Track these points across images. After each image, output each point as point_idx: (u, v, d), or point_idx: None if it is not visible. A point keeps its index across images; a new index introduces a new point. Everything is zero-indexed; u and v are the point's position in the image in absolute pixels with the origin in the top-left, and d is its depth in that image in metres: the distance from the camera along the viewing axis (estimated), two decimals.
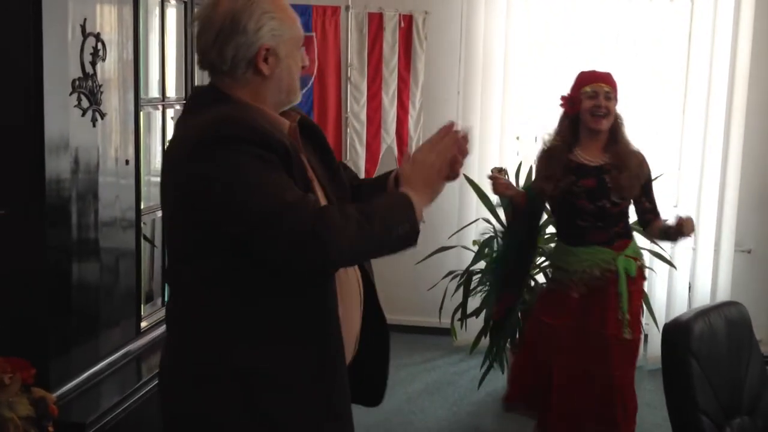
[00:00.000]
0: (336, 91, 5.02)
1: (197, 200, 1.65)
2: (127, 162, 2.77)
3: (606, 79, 3.40)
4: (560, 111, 3.49)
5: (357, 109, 5.06)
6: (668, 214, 3.55)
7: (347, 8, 4.94)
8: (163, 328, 2.40)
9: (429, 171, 1.75)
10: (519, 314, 4.41)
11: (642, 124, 5.03)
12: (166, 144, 3.49)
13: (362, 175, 5.05)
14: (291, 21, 1.76)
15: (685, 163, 5.03)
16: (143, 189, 2.99)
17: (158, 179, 3.43)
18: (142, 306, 2.96)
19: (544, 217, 3.89)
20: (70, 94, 2.41)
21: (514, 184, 4.21)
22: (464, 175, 4.87)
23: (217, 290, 1.69)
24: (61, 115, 2.37)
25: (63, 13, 2.38)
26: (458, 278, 4.64)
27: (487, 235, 4.66)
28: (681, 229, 3.29)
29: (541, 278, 4.52)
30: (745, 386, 2.55)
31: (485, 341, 4.55)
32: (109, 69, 2.63)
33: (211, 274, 1.69)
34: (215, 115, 1.65)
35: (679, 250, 4.98)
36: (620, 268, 3.35)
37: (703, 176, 5.01)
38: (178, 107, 3.51)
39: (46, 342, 2.39)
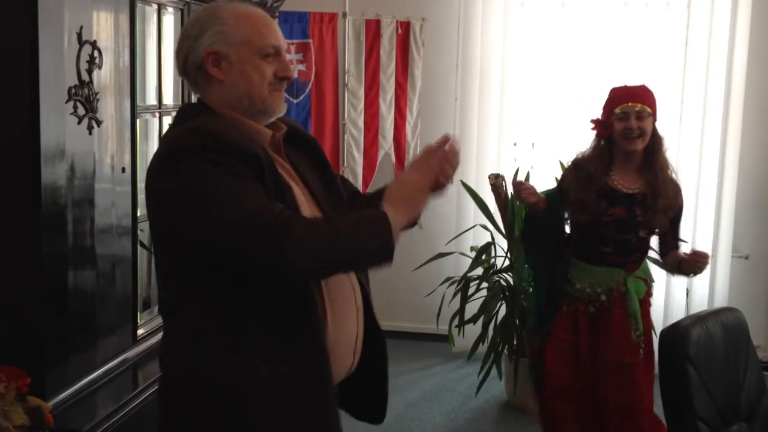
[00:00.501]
0: (333, 98, 5.03)
1: (166, 213, 1.67)
2: (123, 170, 2.77)
3: (637, 96, 3.20)
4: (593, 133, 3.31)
5: (354, 115, 5.07)
6: (684, 247, 3.44)
7: (344, 15, 4.95)
8: (159, 336, 2.39)
9: (410, 188, 1.74)
10: (517, 320, 4.41)
11: None
12: None
13: (359, 181, 5.06)
14: (245, 26, 1.75)
15: (682, 169, 5.02)
16: (141, 196, 2.98)
17: None
18: (138, 313, 2.95)
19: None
20: (66, 102, 2.41)
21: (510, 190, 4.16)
22: (461, 181, 4.88)
23: (198, 304, 1.70)
24: (57, 123, 2.36)
25: (59, 21, 2.38)
26: (456, 284, 4.64)
27: (484, 242, 4.66)
28: (694, 263, 3.18)
29: None
30: (742, 392, 2.55)
31: (483, 348, 4.55)
32: (106, 77, 2.63)
33: (190, 287, 1.70)
34: (184, 127, 1.68)
35: None
36: (630, 289, 3.25)
37: (700, 182, 5.02)
38: (189, 102, 3.51)
39: (42, 350, 2.38)
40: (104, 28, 2.63)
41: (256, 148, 1.66)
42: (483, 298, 4.59)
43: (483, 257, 4.62)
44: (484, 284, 4.62)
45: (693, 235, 5.03)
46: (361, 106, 5.09)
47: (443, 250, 4.86)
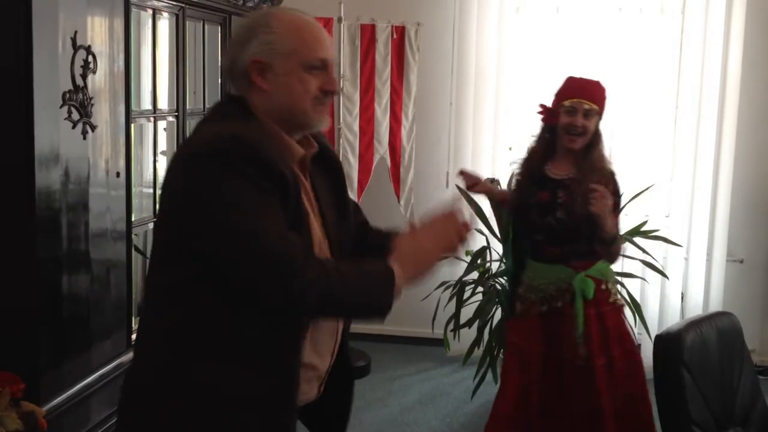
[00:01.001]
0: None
1: (182, 210, 1.64)
2: (118, 174, 2.77)
3: (590, 93, 3.17)
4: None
5: (350, 120, 5.07)
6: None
7: (339, 20, 4.95)
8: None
9: (422, 256, 1.74)
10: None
11: (634, 135, 5.05)
12: (158, 156, 3.50)
13: (355, 186, 5.06)
14: (294, 36, 1.71)
15: (677, 173, 5.04)
16: (135, 201, 2.99)
17: (151, 191, 3.45)
18: (133, 318, 2.95)
19: None
20: (61, 107, 2.41)
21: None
22: (457, 185, 4.88)
23: (179, 304, 1.68)
24: (51, 128, 2.37)
25: (53, 25, 2.38)
26: (451, 289, 4.64)
27: (479, 246, 4.66)
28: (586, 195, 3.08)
29: None
30: (737, 396, 2.56)
31: (478, 352, 4.54)
32: (100, 81, 2.63)
33: (176, 287, 1.68)
34: (225, 130, 1.64)
35: (672, 260, 4.99)
36: (576, 288, 3.14)
37: (695, 187, 5.03)
38: (170, 119, 3.52)
39: (36, 355, 2.38)
40: (99, 32, 2.63)
41: (288, 170, 1.63)
42: (478, 302, 4.59)
43: (478, 261, 4.62)
44: (480, 288, 4.62)
45: (688, 239, 5.04)
46: (357, 110, 5.09)
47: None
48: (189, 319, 1.67)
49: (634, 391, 3.18)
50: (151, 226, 3.37)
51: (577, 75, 3.29)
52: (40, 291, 2.39)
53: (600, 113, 3.19)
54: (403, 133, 5.17)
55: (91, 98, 2.54)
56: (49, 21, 2.36)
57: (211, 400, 1.66)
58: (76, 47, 2.47)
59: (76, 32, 2.47)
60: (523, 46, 5.15)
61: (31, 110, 2.27)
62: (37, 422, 2.16)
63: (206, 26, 3.77)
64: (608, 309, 3.22)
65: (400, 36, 5.08)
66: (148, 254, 3.16)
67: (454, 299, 4.58)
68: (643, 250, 4.57)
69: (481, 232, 4.67)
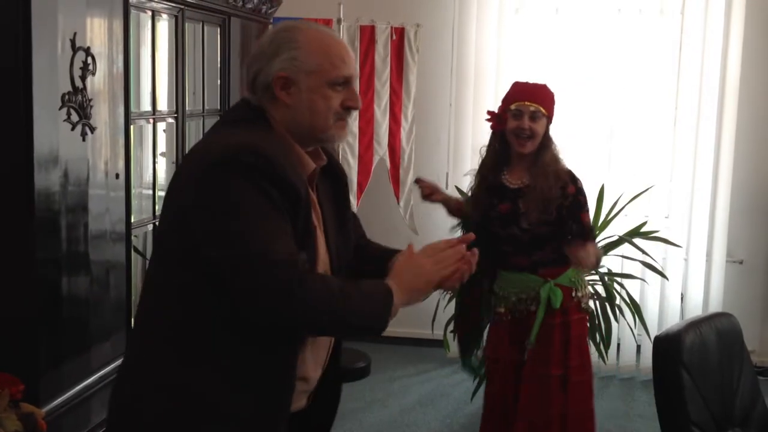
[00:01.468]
0: None
1: (189, 212, 1.63)
2: (117, 176, 2.76)
3: (535, 95, 3.12)
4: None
5: (349, 121, 5.07)
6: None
7: (339, 21, 4.95)
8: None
9: (421, 279, 1.73)
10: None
11: (633, 136, 5.05)
12: (158, 157, 3.50)
13: (354, 187, 5.06)
14: (319, 53, 1.71)
15: (676, 174, 5.05)
16: (134, 202, 2.99)
17: (150, 192, 3.45)
18: (132, 319, 2.95)
19: None
20: (60, 109, 2.41)
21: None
22: (456, 187, 4.89)
23: (179, 313, 1.67)
24: (50, 129, 2.36)
25: (52, 27, 2.38)
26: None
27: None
28: (574, 255, 3.01)
29: None
30: (737, 397, 2.56)
31: (478, 353, 4.54)
32: (99, 83, 2.63)
33: (174, 289, 1.68)
34: (238, 139, 1.64)
35: (672, 260, 4.99)
36: (542, 297, 3.10)
37: (694, 187, 5.03)
38: (170, 120, 3.52)
39: (36, 356, 2.38)
40: (98, 34, 2.63)
41: (299, 184, 1.64)
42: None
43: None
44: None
45: (687, 239, 5.04)
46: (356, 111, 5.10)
47: None
48: (187, 323, 1.67)
49: (582, 407, 3.16)
50: (150, 227, 3.37)
51: (523, 80, 3.26)
52: (40, 292, 2.38)
53: (548, 116, 3.13)
54: (403, 134, 5.17)
55: (90, 100, 2.54)
56: (49, 22, 2.36)
57: (199, 409, 1.65)
58: (75, 49, 2.47)
59: (75, 34, 2.47)
60: (523, 47, 5.16)
61: (30, 112, 2.27)
62: (36, 423, 2.16)
63: (205, 28, 3.77)
64: (576, 318, 3.16)
65: (399, 37, 5.08)
66: (148, 255, 3.18)
67: (454, 300, 4.58)
68: (643, 251, 4.57)
69: None
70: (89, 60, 2.54)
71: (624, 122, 5.06)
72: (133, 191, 2.97)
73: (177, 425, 1.67)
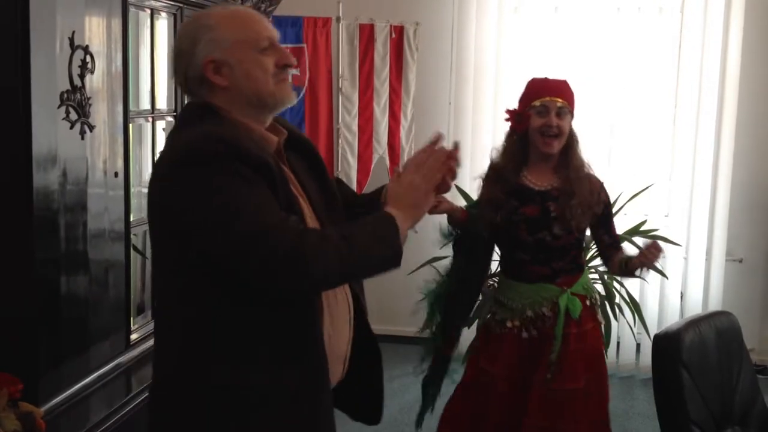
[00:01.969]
0: (327, 103, 5.03)
1: (174, 218, 1.64)
2: (116, 174, 2.76)
3: (559, 91, 2.92)
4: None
5: (348, 120, 5.06)
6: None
7: (338, 19, 4.94)
8: (153, 340, 2.39)
9: (415, 193, 1.72)
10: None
11: (633, 134, 5.05)
12: (157, 156, 3.49)
13: (354, 186, 5.05)
14: (235, 26, 1.74)
15: (676, 173, 5.05)
16: (133, 201, 2.98)
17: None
18: (132, 318, 2.95)
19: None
20: (59, 107, 2.40)
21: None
22: (455, 185, 4.88)
23: (194, 308, 1.68)
24: (49, 128, 2.36)
25: (51, 25, 2.37)
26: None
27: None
28: (643, 258, 2.79)
29: None
30: (736, 396, 2.56)
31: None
32: (98, 81, 2.62)
33: (186, 291, 1.68)
34: (197, 133, 1.65)
35: (671, 259, 4.99)
36: (561, 307, 2.88)
37: (694, 186, 5.03)
38: (169, 119, 3.51)
39: (35, 355, 2.38)
40: (96, 32, 2.62)
41: (268, 157, 1.65)
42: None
43: None
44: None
45: (687, 238, 5.04)
46: (355, 110, 5.09)
47: (438, 254, 4.85)
48: (203, 322, 1.67)
49: (599, 418, 2.95)
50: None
51: (541, 76, 3.04)
52: (39, 291, 2.38)
53: (572, 113, 2.94)
54: (402, 132, 5.17)
55: (89, 98, 2.54)
56: (47, 21, 2.35)
57: (240, 400, 1.66)
58: (73, 47, 2.47)
59: (73, 32, 2.47)
60: (522, 45, 5.15)
61: (29, 110, 2.27)
62: (35, 423, 2.16)
63: None
64: (591, 327, 2.98)
65: (398, 35, 5.07)
66: (147, 254, 3.17)
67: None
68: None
69: None
70: (88, 58, 2.54)
71: (623, 120, 5.06)
72: (132, 190, 2.96)
73: (223, 421, 1.67)
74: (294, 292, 1.64)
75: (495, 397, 2.97)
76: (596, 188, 2.94)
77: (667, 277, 4.93)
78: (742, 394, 2.58)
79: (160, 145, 3.60)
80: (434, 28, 5.24)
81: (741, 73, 4.93)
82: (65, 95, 2.43)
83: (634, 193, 4.76)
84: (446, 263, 3.39)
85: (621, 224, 4.66)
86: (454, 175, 1.78)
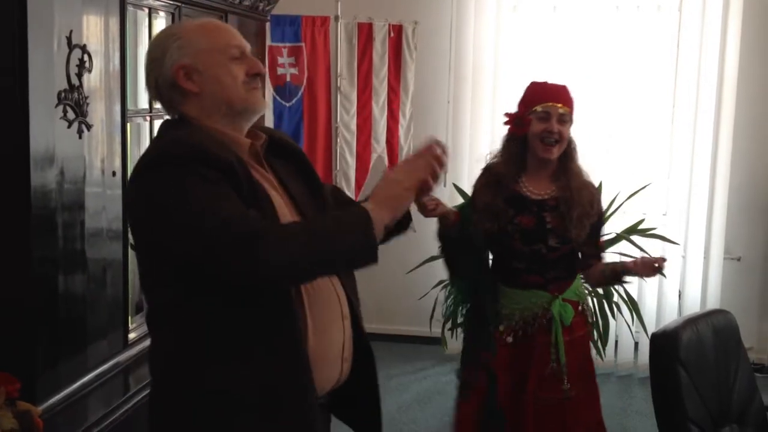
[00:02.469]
0: (326, 101, 5.03)
1: (142, 223, 1.70)
2: (114, 173, 2.76)
3: (561, 96, 2.87)
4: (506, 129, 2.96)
5: (347, 119, 5.06)
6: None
7: (336, 18, 4.94)
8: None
9: (395, 187, 1.73)
10: None
11: (631, 132, 5.06)
12: None
13: (352, 185, 5.06)
14: (204, 34, 1.78)
15: (674, 171, 5.05)
16: None
17: None
18: (129, 317, 2.95)
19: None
20: (56, 106, 2.40)
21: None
22: (454, 184, 4.90)
23: (180, 313, 1.70)
24: (46, 127, 2.36)
25: (49, 25, 2.37)
26: (448, 287, 4.64)
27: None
28: (642, 269, 2.77)
29: None
30: (733, 394, 2.56)
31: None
32: (96, 80, 2.62)
33: (168, 296, 1.71)
34: (159, 142, 1.73)
35: (669, 258, 4.97)
36: (555, 314, 2.84)
37: (692, 184, 5.03)
38: (167, 118, 3.51)
39: (32, 354, 2.38)
40: (94, 32, 2.63)
41: (229, 156, 1.66)
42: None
43: None
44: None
45: (685, 237, 5.04)
46: (354, 109, 5.09)
47: (436, 253, 4.85)
48: (189, 327, 1.69)
49: (594, 420, 2.94)
50: None
51: (541, 80, 2.97)
52: (36, 290, 2.38)
53: (572, 120, 2.88)
54: (401, 131, 5.17)
55: (86, 97, 2.54)
56: (45, 20, 2.35)
57: (228, 406, 1.67)
58: (71, 46, 2.47)
59: (71, 31, 2.47)
60: (520, 44, 5.16)
61: (27, 109, 2.27)
62: (32, 422, 2.16)
63: None
64: (582, 334, 2.94)
65: (397, 34, 5.07)
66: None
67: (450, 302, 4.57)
68: (641, 249, 4.57)
69: None
70: (85, 57, 2.54)
71: (622, 119, 5.06)
72: None
73: (210, 425, 1.68)
74: (249, 277, 1.61)
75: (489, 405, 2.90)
76: (594, 198, 2.91)
77: (665, 276, 4.92)
78: (739, 393, 2.58)
79: None
80: (433, 26, 5.25)
81: (739, 72, 4.93)
82: (63, 94, 2.43)
83: (632, 192, 4.76)
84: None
85: (619, 223, 4.68)
86: (436, 177, 1.77)
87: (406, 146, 5.18)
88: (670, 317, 4.86)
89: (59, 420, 2.41)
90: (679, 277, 5.08)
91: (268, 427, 1.70)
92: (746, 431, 2.56)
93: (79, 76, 2.51)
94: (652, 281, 4.95)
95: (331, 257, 1.65)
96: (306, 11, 4.97)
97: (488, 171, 2.99)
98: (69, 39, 2.46)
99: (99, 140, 2.67)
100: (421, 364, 5.16)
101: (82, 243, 2.58)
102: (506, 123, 2.96)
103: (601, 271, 2.93)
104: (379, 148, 5.14)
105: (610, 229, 4.60)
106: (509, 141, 2.95)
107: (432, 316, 4.70)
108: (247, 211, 1.62)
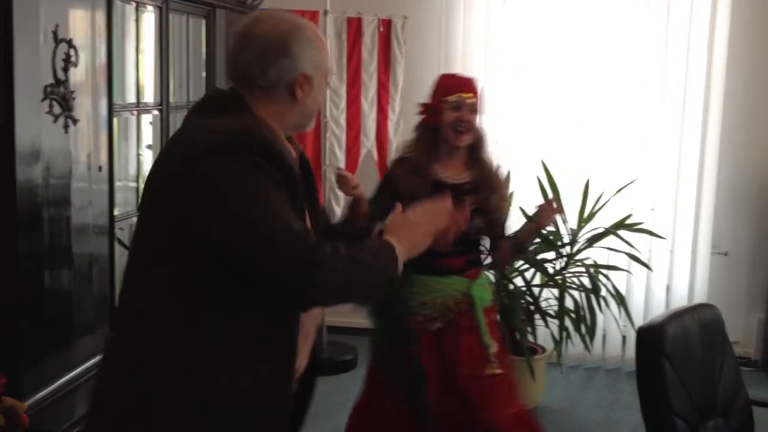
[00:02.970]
0: None
1: (190, 203, 1.59)
2: (100, 168, 2.76)
3: (471, 87, 3.04)
4: (418, 119, 3.10)
5: (336, 113, 5.06)
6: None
7: (325, 13, 4.93)
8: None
9: (418, 230, 1.75)
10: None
11: (619, 128, 5.06)
12: (143, 149, 3.48)
13: None
14: (326, 54, 1.79)
15: (661, 166, 5.06)
16: (118, 195, 2.97)
17: (135, 185, 3.44)
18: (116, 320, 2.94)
19: None
20: (42, 101, 2.40)
21: None
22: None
23: (180, 298, 1.63)
24: (32, 122, 2.35)
25: (34, 19, 2.36)
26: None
27: None
28: (542, 220, 2.96)
29: (519, 281, 4.53)
30: (719, 388, 2.57)
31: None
32: (82, 75, 2.62)
33: (177, 279, 1.64)
34: (238, 125, 1.63)
35: (657, 252, 5.01)
36: (476, 297, 2.96)
37: (679, 179, 5.04)
38: (155, 112, 3.51)
39: (19, 350, 2.38)
40: (80, 26, 2.62)
41: (295, 166, 1.66)
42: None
43: None
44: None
45: (673, 231, 5.06)
46: (343, 104, 5.08)
47: None
48: (186, 313, 1.63)
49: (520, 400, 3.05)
50: (135, 220, 3.35)
51: (452, 72, 3.15)
52: (22, 286, 2.38)
53: (481, 109, 3.06)
54: (390, 126, 5.17)
55: (72, 92, 2.53)
56: (30, 14, 2.34)
57: (210, 396, 1.64)
58: (57, 40, 2.46)
59: (57, 25, 2.46)
60: (510, 39, 5.15)
61: (12, 104, 2.26)
62: (18, 417, 2.15)
63: (190, 19, 3.76)
64: (494, 318, 3.08)
65: (386, 29, 5.06)
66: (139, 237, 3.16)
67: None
68: (628, 243, 4.58)
69: None
70: (72, 52, 2.53)
71: (609, 114, 5.06)
72: (117, 184, 2.95)
73: (184, 413, 1.64)
74: (299, 297, 1.62)
75: (431, 393, 2.91)
76: (505, 183, 3.10)
77: (652, 270, 4.95)
78: (725, 386, 2.59)
79: (147, 139, 3.59)
80: (422, 21, 5.24)
81: (727, 68, 4.95)
82: (48, 89, 2.42)
83: (620, 187, 4.77)
84: None
85: (607, 218, 4.70)
86: (459, 231, 1.82)
87: (396, 141, 5.17)
88: (658, 311, 4.87)
89: (45, 415, 2.41)
90: (667, 272, 5.10)
91: (246, 428, 1.68)
92: (731, 425, 2.57)
93: (65, 70, 2.50)
94: (640, 275, 4.98)
95: (368, 289, 1.70)
96: (295, 6, 4.95)
97: (402, 161, 3.08)
98: (55, 33, 2.45)
99: (85, 135, 2.66)
100: None
101: (68, 238, 2.58)
102: (420, 113, 3.09)
103: (510, 246, 3.07)
104: (369, 143, 5.14)
105: (597, 224, 4.63)
106: (423, 130, 3.07)
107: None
108: (306, 227, 1.62)
